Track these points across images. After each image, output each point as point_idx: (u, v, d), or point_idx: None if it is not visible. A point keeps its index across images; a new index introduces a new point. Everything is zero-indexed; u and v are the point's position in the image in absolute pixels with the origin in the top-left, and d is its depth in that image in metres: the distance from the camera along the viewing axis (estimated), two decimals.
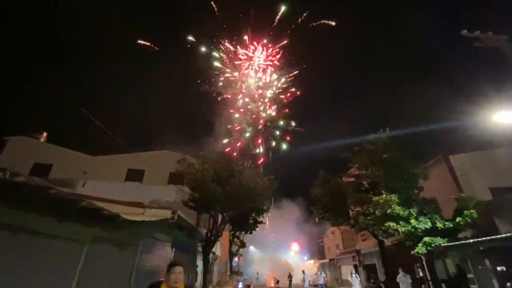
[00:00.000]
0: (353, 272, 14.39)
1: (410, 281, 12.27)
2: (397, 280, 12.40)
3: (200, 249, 14.33)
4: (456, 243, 10.42)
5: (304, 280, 19.24)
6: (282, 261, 49.01)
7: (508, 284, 4.95)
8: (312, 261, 45.16)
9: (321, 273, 18.09)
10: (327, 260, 36.49)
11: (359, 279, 14.56)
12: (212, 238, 13.65)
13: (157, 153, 20.73)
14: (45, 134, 22.20)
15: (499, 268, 7.94)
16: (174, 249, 12.09)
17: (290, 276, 27.83)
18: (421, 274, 15.81)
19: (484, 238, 9.35)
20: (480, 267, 11.91)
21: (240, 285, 14.55)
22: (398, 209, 11.38)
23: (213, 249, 17.25)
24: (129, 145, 11.33)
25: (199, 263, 16.06)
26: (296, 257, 50.39)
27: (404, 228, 11.25)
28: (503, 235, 9.18)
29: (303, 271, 20.02)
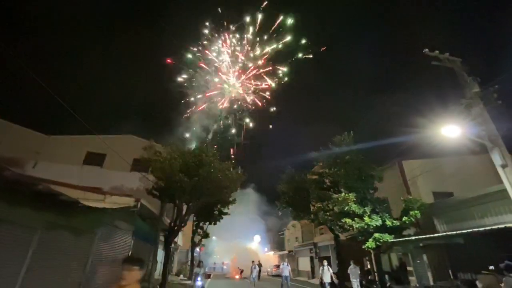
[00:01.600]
0: (325, 264, 14.24)
1: (359, 272, 13.44)
2: (348, 271, 13.50)
3: (162, 238, 14.07)
4: (400, 239, 11.65)
5: (252, 271, 18.24)
6: (248, 250, 49.47)
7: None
8: (272, 253, 46.79)
9: (287, 265, 16.70)
10: (286, 252, 38.11)
11: (331, 271, 14.37)
12: (176, 228, 13.47)
13: (121, 137, 19.63)
14: None
15: None
16: (134, 238, 11.74)
17: (259, 265, 26.72)
18: (369, 266, 17.41)
19: (424, 236, 10.59)
20: (418, 261, 13.49)
21: (199, 281, 12.26)
22: (354, 207, 12.33)
23: (175, 239, 17.03)
24: (90, 127, 10.57)
25: (160, 252, 15.78)
26: (257, 248, 51.71)
27: (358, 225, 12.25)
28: (441, 234, 10.49)
29: (252, 261, 18.36)
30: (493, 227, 7.84)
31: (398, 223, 12.03)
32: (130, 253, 11.64)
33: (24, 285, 5.39)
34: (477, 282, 7.26)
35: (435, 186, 14.84)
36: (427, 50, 10.17)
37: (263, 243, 52.30)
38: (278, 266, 34.45)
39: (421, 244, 12.36)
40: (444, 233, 10.18)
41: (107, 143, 15.74)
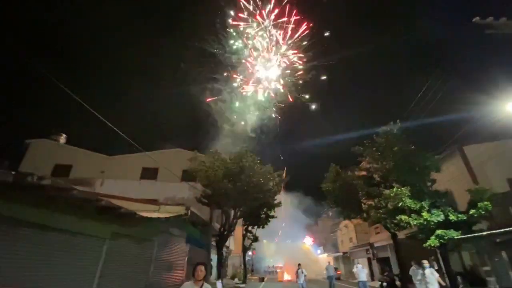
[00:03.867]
0: (428, 266, 11.85)
1: (423, 273, 12.15)
2: (410, 273, 12.34)
3: (213, 243, 14.76)
4: (469, 235, 10.30)
5: (299, 276, 14.65)
6: (304, 252, 48.13)
7: None
8: (325, 255, 45.25)
9: (362, 267, 13.17)
10: (340, 254, 36.50)
11: (437, 275, 10.62)
12: (225, 233, 14.03)
13: (170, 151, 21.29)
14: (63, 136, 23.20)
15: None
16: (188, 244, 12.56)
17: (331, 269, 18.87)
18: (435, 267, 15.65)
19: (499, 230, 9.19)
20: (496, 259, 11.71)
21: None
22: (409, 202, 11.32)
23: (227, 244, 17.69)
24: (142, 144, 11.69)
25: (213, 257, 16.56)
26: (308, 250, 50.58)
27: (416, 221, 11.19)
28: None
29: (299, 265, 15.19)
30: None
31: (465, 217, 10.66)
32: (186, 258, 12.49)
33: None
34: None
35: (510, 172, 12.80)
36: (477, 18, 8.93)
37: (316, 245, 50.92)
38: (334, 269, 33.14)
39: (497, 240, 10.73)
40: None
41: (158, 158, 17.25)
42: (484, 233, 9.85)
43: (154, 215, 8.53)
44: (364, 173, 16.82)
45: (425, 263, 10.20)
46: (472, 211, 10.43)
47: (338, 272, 32.37)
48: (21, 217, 4.42)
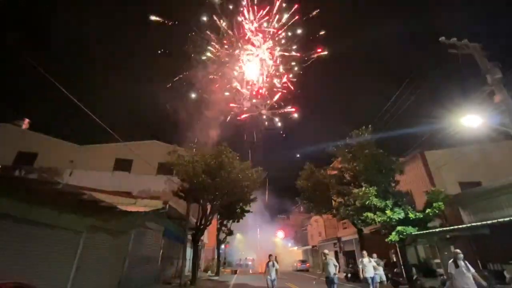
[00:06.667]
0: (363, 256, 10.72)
1: (374, 264, 12.21)
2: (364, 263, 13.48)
3: (189, 237, 14.86)
4: (424, 232, 11.51)
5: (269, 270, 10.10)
6: (275, 243, 49.34)
7: None
8: (296, 248, 47.06)
9: (370, 261, 10.54)
10: (310, 247, 38.22)
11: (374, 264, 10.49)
12: (201, 226, 14.18)
13: (146, 143, 20.73)
14: (27, 121, 21.54)
15: None
16: (165, 238, 12.58)
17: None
18: (394, 259, 17.22)
19: (449, 228, 10.42)
20: (446, 253, 13.20)
21: None
22: (375, 201, 12.32)
23: (201, 237, 17.84)
24: (117, 135, 11.29)
25: (188, 250, 16.64)
26: (280, 244, 52.22)
27: (380, 218, 12.23)
28: (465, 225, 10.28)
29: (269, 256, 10.58)
30: None
31: (422, 216, 11.89)
32: (161, 251, 12.49)
33: (75, 282, 6.16)
34: (505, 272, 7.16)
35: (461, 176, 14.35)
36: (443, 38, 9.89)
37: (287, 239, 52.65)
38: (303, 261, 34.71)
39: (448, 236, 12.11)
40: (468, 225, 9.95)
41: (133, 149, 16.80)
42: (437, 229, 11.09)
43: (132, 208, 8.48)
44: (335, 172, 17.80)
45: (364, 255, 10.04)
46: (428, 210, 11.66)
47: (307, 265, 34.01)
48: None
